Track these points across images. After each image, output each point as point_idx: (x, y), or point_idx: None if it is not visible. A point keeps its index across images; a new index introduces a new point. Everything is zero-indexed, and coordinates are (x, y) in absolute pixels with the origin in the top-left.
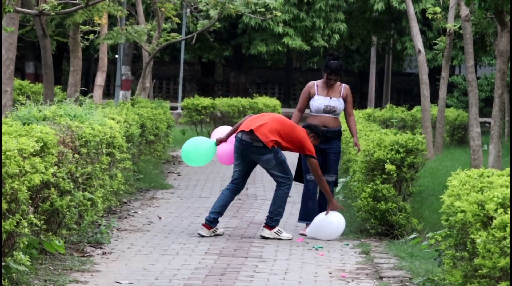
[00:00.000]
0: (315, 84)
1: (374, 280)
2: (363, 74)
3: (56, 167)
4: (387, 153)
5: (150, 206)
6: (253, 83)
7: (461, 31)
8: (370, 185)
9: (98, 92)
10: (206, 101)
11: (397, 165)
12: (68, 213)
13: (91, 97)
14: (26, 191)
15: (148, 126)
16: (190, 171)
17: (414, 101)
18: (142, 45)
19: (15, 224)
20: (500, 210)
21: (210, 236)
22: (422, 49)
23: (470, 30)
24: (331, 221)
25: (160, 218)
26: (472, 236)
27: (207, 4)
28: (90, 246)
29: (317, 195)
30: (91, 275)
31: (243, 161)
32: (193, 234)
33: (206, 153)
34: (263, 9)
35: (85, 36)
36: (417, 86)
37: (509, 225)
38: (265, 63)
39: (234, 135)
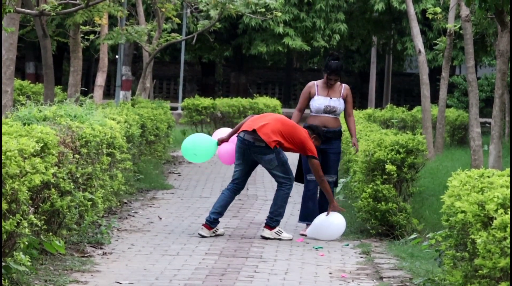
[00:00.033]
0: (315, 84)
1: (375, 281)
2: (363, 74)
3: (56, 168)
4: (388, 154)
5: (151, 206)
6: (253, 83)
7: (461, 32)
8: (371, 186)
9: (98, 92)
10: (206, 101)
11: (398, 165)
12: (68, 213)
13: (92, 97)
14: (27, 191)
15: (149, 127)
16: (190, 171)
17: (414, 101)
18: (142, 45)
19: (16, 225)
20: (501, 211)
21: (211, 236)
22: (422, 50)
23: (471, 31)
24: (332, 222)
25: (160, 218)
26: (472, 236)
27: (208, 4)
28: (91, 246)
29: (317, 195)
30: (92, 275)
31: (245, 160)
32: (193, 235)
33: (206, 150)
34: (263, 10)
35: (86, 37)
36: (418, 87)
37: (509, 225)
38: (265, 64)
39: (236, 134)
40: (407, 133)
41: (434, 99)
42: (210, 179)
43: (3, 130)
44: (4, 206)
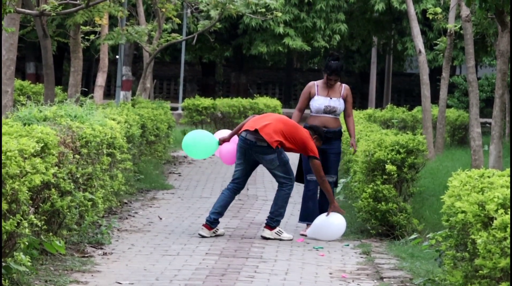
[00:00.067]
0: (315, 84)
1: (375, 281)
2: (363, 74)
3: (56, 168)
4: (388, 154)
5: (151, 206)
6: (253, 83)
7: (461, 32)
8: (371, 186)
9: (98, 92)
10: (206, 101)
11: (398, 165)
12: (68, 213)
13: (92, 97)
14: (27, 191)
15: (149, 127)
16: (190, 171)
17: (414, 101)
18: (142, 45)
19: (16, 225)
20: (501, 211)
21: (211, 236)
22: (422, 50)
23: (471, 31)
24: (332, 222)
25: (160, 218)
26: (472, 236)
27: (208, 4)
28: (91, 246)
29: (318, 195)
30: (92, 275)
31: (246, 160)
32: (193, 235)
33: (207, 146)
34: (263, 10)
35: (86, 37)
36: (418, 87)
37: (509, 225)
38: (265, 64)
39: (238, 134)
40: (407, 133)
41: (435, 99)
42: (211, 179)
43: (3, 130)
44: (4, 206)
